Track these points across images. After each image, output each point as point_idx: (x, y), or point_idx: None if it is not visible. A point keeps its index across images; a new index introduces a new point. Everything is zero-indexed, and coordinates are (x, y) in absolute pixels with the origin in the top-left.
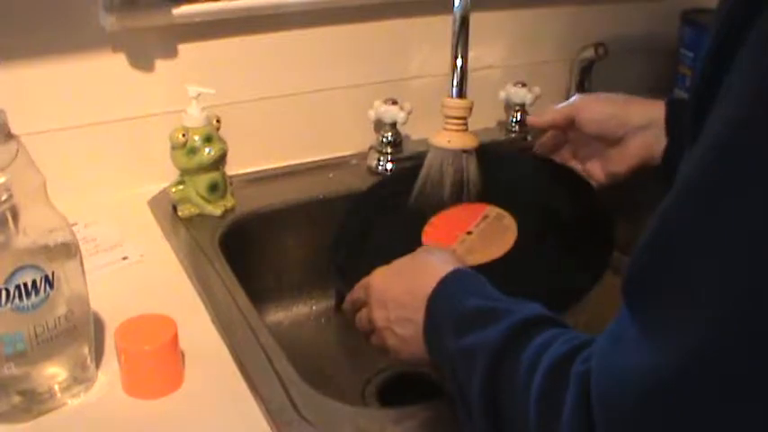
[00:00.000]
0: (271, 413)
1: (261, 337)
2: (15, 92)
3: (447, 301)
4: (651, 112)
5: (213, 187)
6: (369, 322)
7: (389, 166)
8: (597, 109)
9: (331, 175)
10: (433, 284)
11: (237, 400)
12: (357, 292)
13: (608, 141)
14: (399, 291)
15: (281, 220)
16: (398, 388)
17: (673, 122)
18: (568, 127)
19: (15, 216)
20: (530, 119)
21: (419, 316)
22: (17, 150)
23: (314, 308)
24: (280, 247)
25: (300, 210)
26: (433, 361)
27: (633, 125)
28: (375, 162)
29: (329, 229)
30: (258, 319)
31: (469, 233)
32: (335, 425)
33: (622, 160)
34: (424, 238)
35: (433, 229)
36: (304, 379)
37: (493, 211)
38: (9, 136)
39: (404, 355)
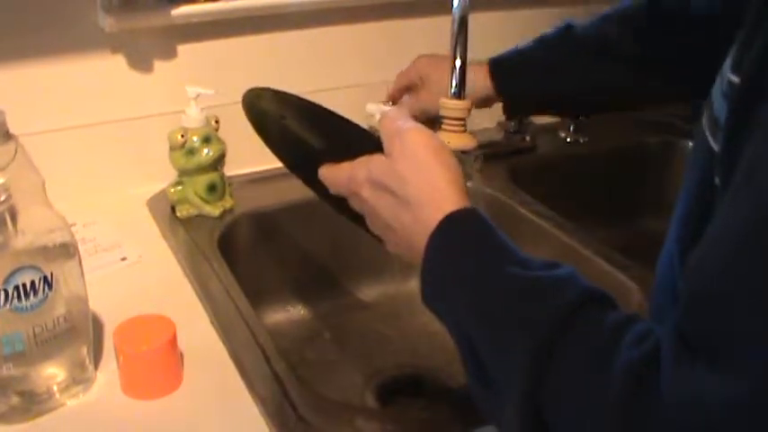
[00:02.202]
0: (269, 413)
1: (259, 337)
2: (14, 92)
3: (451, 256)
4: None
5: (212, 188)
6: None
7: None
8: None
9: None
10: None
11: (236, 401)
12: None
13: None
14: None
15: (280, 220)
16: (397, 389)
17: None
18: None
19: (14, 216)
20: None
21: (420, 241)
22: (16, 151)
23: (313, 308)
24: (278, 248)
25: (299, 210)
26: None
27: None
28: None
29: (328, 229)
30: (256, 319)
31: None
32: (334, 425)
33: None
34: None
35: None
36: (303, 380)
37: None
38: (8, 136)
39: (390, 248)
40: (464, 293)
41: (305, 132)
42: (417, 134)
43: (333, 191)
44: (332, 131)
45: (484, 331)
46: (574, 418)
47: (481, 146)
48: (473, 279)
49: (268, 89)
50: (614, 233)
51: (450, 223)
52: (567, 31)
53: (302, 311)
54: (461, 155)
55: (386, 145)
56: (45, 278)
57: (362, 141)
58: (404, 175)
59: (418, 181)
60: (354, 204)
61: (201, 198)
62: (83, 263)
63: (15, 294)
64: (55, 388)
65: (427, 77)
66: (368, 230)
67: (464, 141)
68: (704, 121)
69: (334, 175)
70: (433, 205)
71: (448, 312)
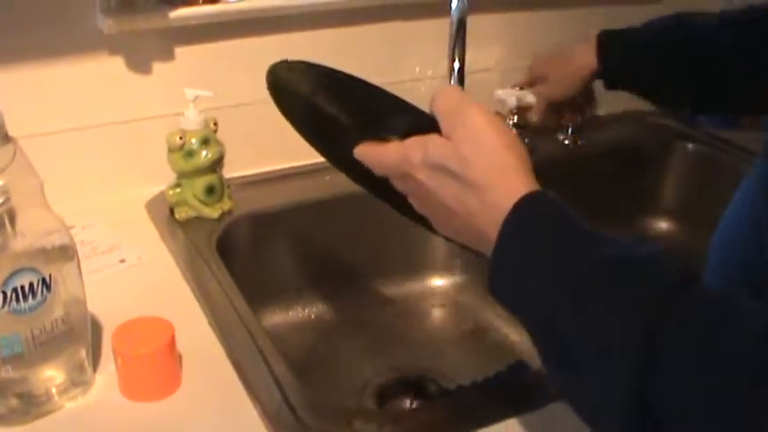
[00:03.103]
0: (268, 416)
1: (258, 339)
2: (12, 94)
3: (529, 240)
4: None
5: (210, 190)
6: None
7: None
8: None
9: (328, 178)
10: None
11: (235, 403)
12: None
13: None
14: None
15: (279, 222)
16: (396, 391)
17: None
18: None
19: (12, 219)
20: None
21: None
22: (14, 153)
23: (311, 310)
24: (277, 250)
25: (297, 213)
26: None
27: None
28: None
29: (327, 231)
30: (255, 321)
31: None
32: (332, 427)
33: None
34: None
35: None
36: (301, 381)
37: None
38: (6, 138)
39: (447, 233)
40: (548, 278)
41: (335, 107)
42: (480, 114)
43: (377, 171)
44: (367, 105)
45: (575, 317)
46: (692, 399)
47: None
48: (559, 262)
49: (296, 62)
50: (614, 234)
51: (526, 206)
52: (677, 20)
53: (301, 313)
54: None
55: (444, 125)
56: (43, 280)
57: (410, 117)
58: (468, 157)
59: (485, 163)
60: (400, 186)
61: (200, 200)
62: (81, 265)
63: (14, 296)
64: (53, 390)
65: (545, 77)
66: (406, 212)
67: None
68: None
69: (379, 154)
70: (503, 188)
71: (523, 298)
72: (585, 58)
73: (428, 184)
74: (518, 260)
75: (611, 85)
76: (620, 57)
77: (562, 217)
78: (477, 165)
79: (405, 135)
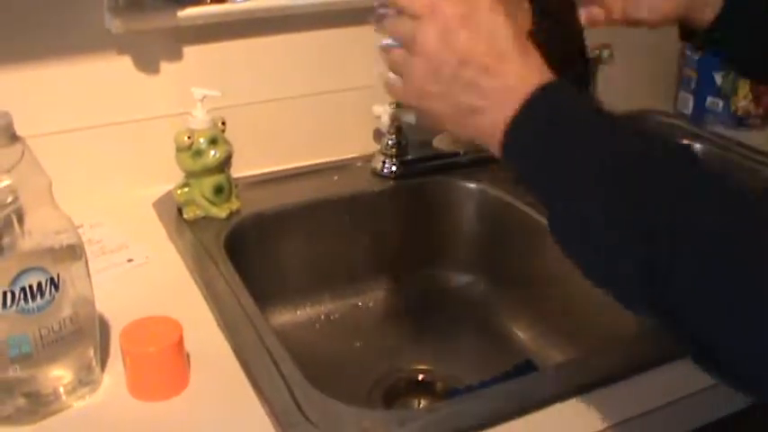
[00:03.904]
0: (276, 415)
1: (266, 339)
2: (21, 94)
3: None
4: None
5: (218, 189)
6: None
7: (394, 168)
8: None
9: (336, 178)
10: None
11: (242, 402)
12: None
13: None
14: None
15: (287, 222)
16: (404, 390)
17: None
18: None
19: (21, 218)
20: None
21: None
22: (23, 152)
23: (319, 310)
24: (285, 250)
25: (305, 212)
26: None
27: None
28: (380, 165)
29: (334, 231)
30: (263, 321)
31: None
32: (340, 426)
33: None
34: None
35: None
36: (309, 381)
37: None
38: (15, 138)
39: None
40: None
41: None
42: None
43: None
44: None
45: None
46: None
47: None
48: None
49: None
50: None
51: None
52: None
53: (309, 313)
54: None
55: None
56: (52, 280)
57: None
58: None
59: (512, 42)
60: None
61: (208, 200)
62: (89, 264)
63: (22, 296)
64: (61, 390)
65: None
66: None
67: None
68: None
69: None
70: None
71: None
72: None
73: (445, 55)
74: (543, 130)
75: (696, 36)
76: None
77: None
78: (504, 38)
79: None
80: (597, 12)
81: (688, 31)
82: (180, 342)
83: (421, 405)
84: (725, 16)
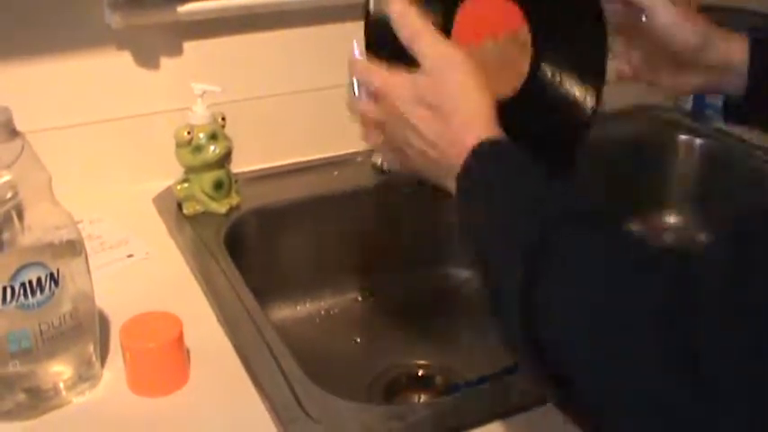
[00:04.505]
0: (276, 410)
1: (266, 334)
2: (21, 89)
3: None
4: (732, 44)
5: (218, 185)
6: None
7: None
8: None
9: (336, 173)
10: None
11: (242, 398)
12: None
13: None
14: (428, 126)
15: (287, 217)
16: (404, 385)
17: (757, 62)
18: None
19: (21, 213)
20: None
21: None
22: (22, 148)
23: (319, 305)
24: (285, 245)
25: (306, 207)
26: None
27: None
28: (381, 160)
29: (334, 226)
30: (263, 316)
31: (495, 39)
32: (340, 422)
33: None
34: (459, 16)
35: (469, 11)
36: (309, 376)
37: (524, 31)
38: (14, 133)
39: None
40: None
41: None
42: (465, 63)
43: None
44: None
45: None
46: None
47: None
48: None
49: None
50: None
51: (489, 147)
52: None
53: (309, 308)
54: None
55: (433, 63)
56: (51, 275)
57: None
58: (446, 95)
59: (460, 102)
60: (379, 113)
61: (208, 195)
62: (89, 260)
63: (22, 291)
64: (61, 385)
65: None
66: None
67: None
68: None
69: (370, 72)
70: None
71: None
72: (732, 50)
73: (406, 113)
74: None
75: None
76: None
77: (513, 159)
78: (452, 101)
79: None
80: (627, 69)
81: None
82: (180, 338)
83: (421, 400)
84: (753, 91)
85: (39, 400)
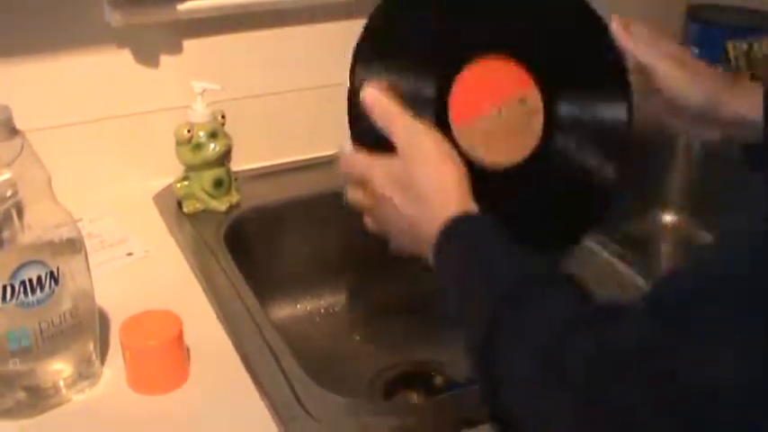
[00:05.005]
0: (275, 408)
1: (266, 332)
2: (20, 88)
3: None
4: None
5: (218, 183)
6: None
7: None
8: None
9: (336, 171)
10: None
11: (242, 396)
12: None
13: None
14: (405, 212)
15: (287, 215)
16: (404, 384)
17: None
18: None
19: (20, 212)
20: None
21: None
22: (22, 146)
23: (319, 303)
24: (285, 243)
25: (306, 205)
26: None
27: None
28: None
29: (335, 224)
30: (263, 314)
31: (500, 111)
32: (340, 420)
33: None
34: (458, 85)
35: (471, 78)
36: (309, 374)
37: (533, 94)
38: (14, 132)
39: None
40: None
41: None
42: (430, 140)
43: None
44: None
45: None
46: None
47: None
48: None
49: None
50: (618, 228)
51: (455, 222)
52: None
53: (309, 307)
54: None
55: (401, 145)
56: (51, 273)
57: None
58: (418, 176)
59: (430, 181)
60: (361, 199)
61: (208, 193)
62: (89, 258)
63: (22, 289)
64: (61, 383)
65: (653, 69)
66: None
67: None
68: None
69: (347, 161)
70: (442, 204)
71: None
72: (745, 106)
73: (385, 196)
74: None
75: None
76: None
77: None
78: (423, 181)
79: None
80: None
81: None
82: (180, 336)
83: (421, 399)
84: None
85: (39, 398)
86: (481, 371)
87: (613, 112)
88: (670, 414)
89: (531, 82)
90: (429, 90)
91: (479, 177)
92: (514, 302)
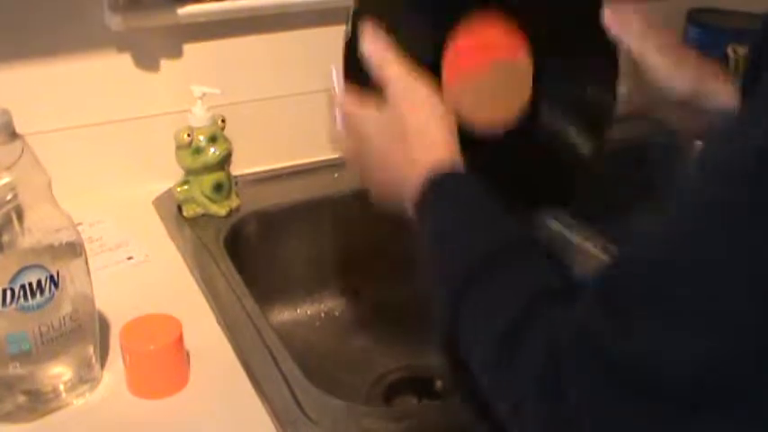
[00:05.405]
0: (275, 413)
1: (266, 336)
2: (20, 91)
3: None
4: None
5: (218, 187)
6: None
7: None
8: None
9: (336, 175)
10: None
11: (242, 400)
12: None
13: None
14: (393, 161)
15: (287, 219)
16: (404, 389)
17: None
18: None
19: (20, 216)
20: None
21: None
22: (22, 150)
23: (319, 308)
24: (285, 247)
25: (305, 209)
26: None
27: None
28: None
29: (334, 229)
30: (263, 319)
31: (491, 71)
32: (340, 424)
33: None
34: (459, 41)
35: (465, 36)
36: (309, 379)
37: (524, 57)
38: (14, 135)
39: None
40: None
41: None
42: (422, 86)
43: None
44: None
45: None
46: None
47: None
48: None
49: None
50: (616, 228)
51: (441, 178)
52: None
53: (309, 311)
54: None
55: (393, 92)
56: (51, 277)
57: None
58: (406, 118)
59: (419, 124)
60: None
61: (208, 197)
62: (89, 262)
63: (21, 293)
64: (61, 387)
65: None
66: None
67: None
68: None
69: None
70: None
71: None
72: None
73: (371, 136)
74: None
75: None
76: None
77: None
78: (411, 123)
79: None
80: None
81: None
82: (180, 340)
83: (420, 402)
84: None
85: (38, 402)
86: (446, 321)
87: (600, 84)
88: (620, 399)
89: (524, 45)
90: (425, 48)
91: (464, 141)
92: (490, 265)
